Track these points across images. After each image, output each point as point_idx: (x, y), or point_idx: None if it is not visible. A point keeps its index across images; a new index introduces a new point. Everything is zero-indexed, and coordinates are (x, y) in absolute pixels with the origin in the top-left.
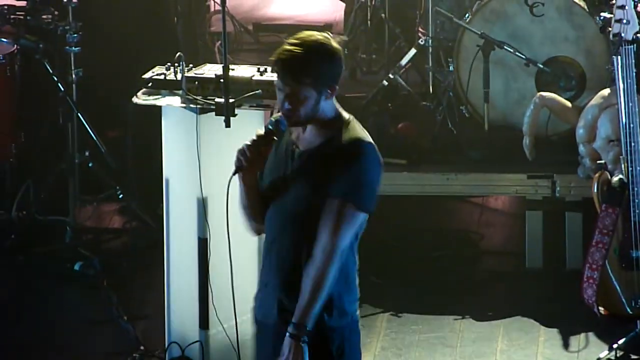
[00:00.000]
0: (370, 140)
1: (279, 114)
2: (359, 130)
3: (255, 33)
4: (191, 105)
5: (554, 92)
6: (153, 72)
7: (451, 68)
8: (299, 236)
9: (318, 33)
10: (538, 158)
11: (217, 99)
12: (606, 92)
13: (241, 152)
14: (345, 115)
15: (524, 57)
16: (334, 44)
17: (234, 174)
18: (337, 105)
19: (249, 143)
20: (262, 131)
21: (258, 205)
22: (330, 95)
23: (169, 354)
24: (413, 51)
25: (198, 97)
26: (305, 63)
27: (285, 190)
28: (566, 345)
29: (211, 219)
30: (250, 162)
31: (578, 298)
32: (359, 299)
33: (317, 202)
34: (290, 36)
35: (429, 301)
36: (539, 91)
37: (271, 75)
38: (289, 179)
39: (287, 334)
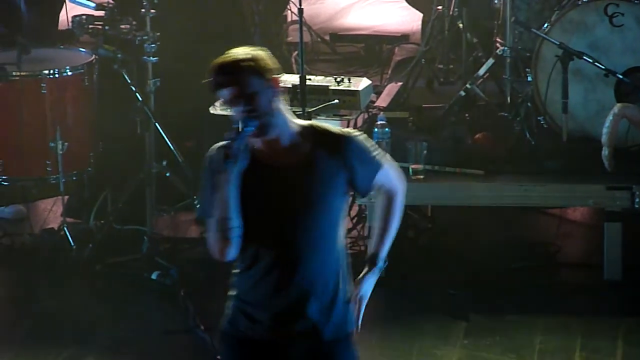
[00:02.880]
0: None
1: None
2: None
3: (332, 43)
4: None
5: (634, 103)
6: None
7: (529, 78)
8: (331, 247)
9: None
10: (617, 169)
11: (294, 109)
12: None
13: (226, 145)
14: (304, 121)
15: (603, 67)
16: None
17: (227, 164)
18: (293, 116)
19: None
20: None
21: (236, 221)
22: (277, 90)
23: None
24: (491, 61)
25: None
26: (239, 61)
27: (292, 206)
28: None
29: None
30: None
31: None
32: None
33: (342, 201)
34: (367, 46)
35: (507, 313)
36: (618, 102)
37: (348, 85)
38: (289, 194)
39: (375, 269)
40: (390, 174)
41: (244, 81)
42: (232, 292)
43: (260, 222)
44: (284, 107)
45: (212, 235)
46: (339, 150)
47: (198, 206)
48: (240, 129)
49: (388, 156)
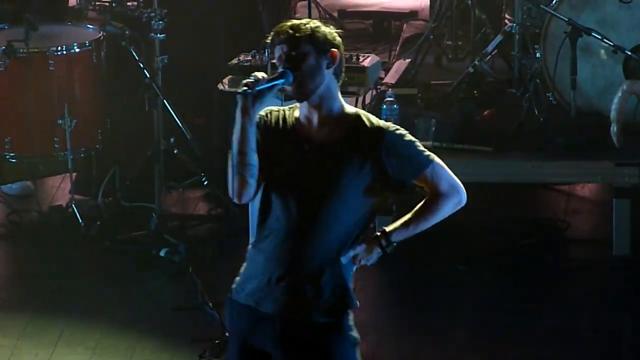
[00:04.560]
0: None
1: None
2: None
3: (340, 20)
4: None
5: None
6: (238, 59)
7: (538, 55)
8: (335, 229)
9: None
10: (626, 145)
11: None
12: None
13: (253, 79)
14: (353, 108)
15: (611, 44)
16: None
17: (241, 92)
18: (344, 101)
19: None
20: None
21: (251, 159)
22: (331, 64)
23: None
24: (499, 38)
25: None
26: (299, 25)
27: (310, 184)
28: None
29: None
30: (258, 93)
31: None
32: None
33: (361, 193)
34: (375, 23)
35: (515, 289)
36: (626, 78)
37: (356, 62)
38: (311, 172)
39: (383, 244)
40: (436, 176)
41: (295, 43)
42: (245, 263)
43: (280, 192)
44: (336, 87)
45: (230, 172)
46: (372, 143)
47: None
48: (275, 76)
49: (437, 159)
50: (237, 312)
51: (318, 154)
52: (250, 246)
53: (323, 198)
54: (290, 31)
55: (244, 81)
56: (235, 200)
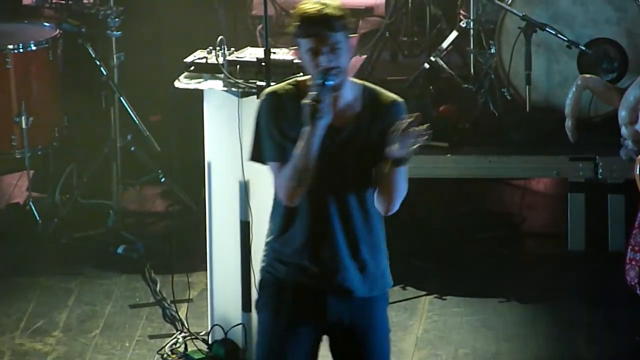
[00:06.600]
0: None
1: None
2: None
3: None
4: (233, 89)
5: (596, 74)
6: (195, 56)
7: (493, 50)
8: (360, 200)
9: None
10: (580, 140)
11: (258, 83)
12: None
13: (314, 99)
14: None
15: (565, 39)
16: None
17: (316, 119)
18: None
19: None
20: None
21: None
22: (353, 46)
23: (212, 337)
24: (454, 34)
25: (240, 81)
26: (332, 12)
27: (340, 161)
28: (609, 327)
29: (253, 202)
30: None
31: (620, 280)
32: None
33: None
34: None
35: (472, 284)
36: (581, 73)
37: None
38: (337, 151)
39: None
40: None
41: (333, 34)
42: (270, 249)
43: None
44: None
45: (286, 182)
46: (387, 114)
47: (251, 149)
48: (322, 84)
49: None
50: (279, 289)
51: (342, 135)
52: (274, 235)
53: (354, 177)
54: (327, 21)
55: (311, 109)
56: (287, 204)
